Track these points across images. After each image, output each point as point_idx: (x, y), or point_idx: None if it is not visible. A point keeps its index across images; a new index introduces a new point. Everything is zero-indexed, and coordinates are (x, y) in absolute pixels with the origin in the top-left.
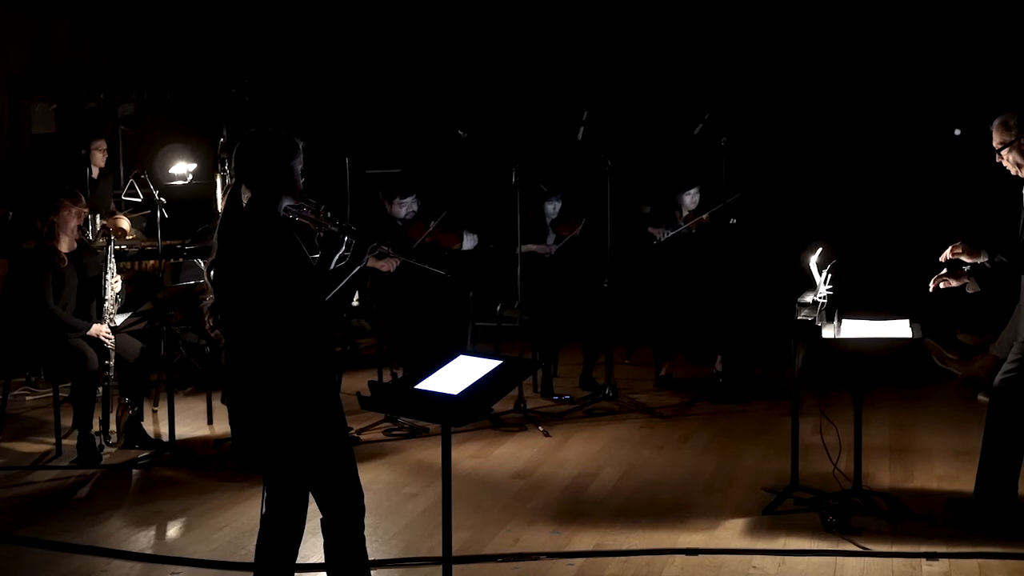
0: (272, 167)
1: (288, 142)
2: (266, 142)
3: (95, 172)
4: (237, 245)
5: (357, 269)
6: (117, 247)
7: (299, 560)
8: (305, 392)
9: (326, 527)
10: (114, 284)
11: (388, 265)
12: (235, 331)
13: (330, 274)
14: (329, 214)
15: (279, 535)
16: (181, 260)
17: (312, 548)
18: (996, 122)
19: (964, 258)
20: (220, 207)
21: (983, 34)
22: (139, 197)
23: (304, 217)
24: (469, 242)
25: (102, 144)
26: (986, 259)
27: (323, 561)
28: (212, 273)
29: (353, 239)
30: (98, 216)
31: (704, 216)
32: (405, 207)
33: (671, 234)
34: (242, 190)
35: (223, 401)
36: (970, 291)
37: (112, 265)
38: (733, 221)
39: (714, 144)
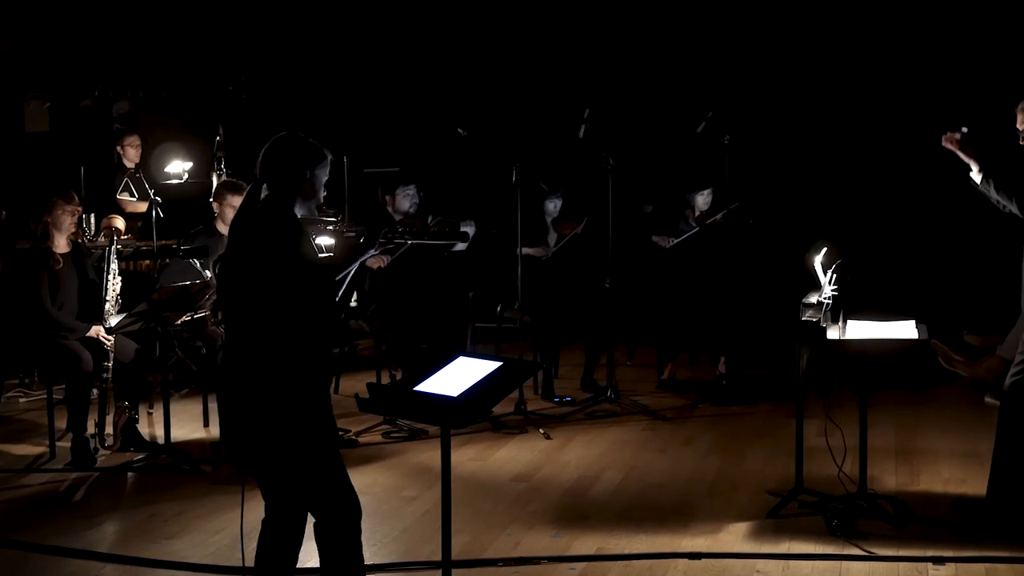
0: (290, 170)
1: (313, 150)
2: (290, 145)
3: (131, 167)
4: (248, 241)
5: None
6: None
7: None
8: (299, 396)
9: (319, 532)
10: (115, 285)
11: (378, 261)
12: (235, 328)
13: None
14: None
15: (278, 539)
16: (168, 261)
17: (310, 552)
18: (1022, 104)
19: (959, 151)
20: (215, 206)
21: (988, 31)
22: (134, 196)
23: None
24: (468, 231)
25: (135, 140)
26: (976, 166)
27: (319, 566)
28: (218, 268)
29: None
30: (92, 215)
31: (718, 216)
32: (409, 199)
33: (676, 242)
34: (262, 189)
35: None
36: (972, 175)
37: (114, 266)
38: (751, 221)
39: (717, 142)
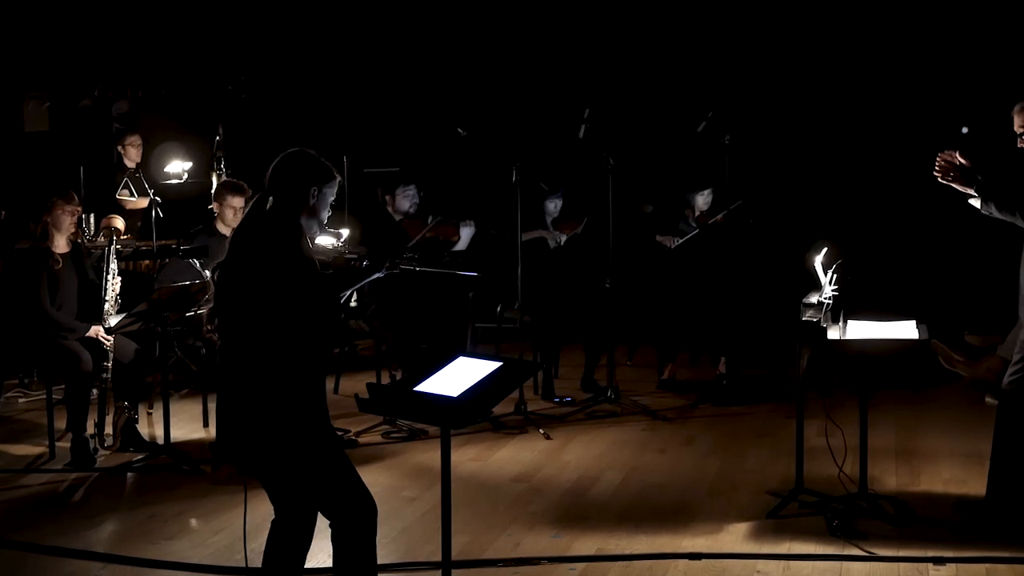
0: (297, 185)
1: (323, 169)
2: (301, 162)
3: (132, 167)
4: (248, 251)
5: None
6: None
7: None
8: (295, 404)
9: (334, 534)
10: (114, 285)
11: None
12: (231, 336)
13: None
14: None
15: (286, 540)
16: (168, 261)
17: (315, 551)
18: (1017, 107)
19: (955, 184)
20: (215, 207)
21: (989, 32)
22: (134, 196)
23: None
24: (467, 231)
25: (136, 139)
26: (975, 193)
27: (325, 565)
28: (217, 275)
29: (367, 260)
30: (92, 215)
31: (720, 216)
32: (409, 198)
33: (680, 242)
34: (268, 201)
35: None
36: (971, 201)
37: (113, 266)
38: (751, 221)
39: (718, 142)
